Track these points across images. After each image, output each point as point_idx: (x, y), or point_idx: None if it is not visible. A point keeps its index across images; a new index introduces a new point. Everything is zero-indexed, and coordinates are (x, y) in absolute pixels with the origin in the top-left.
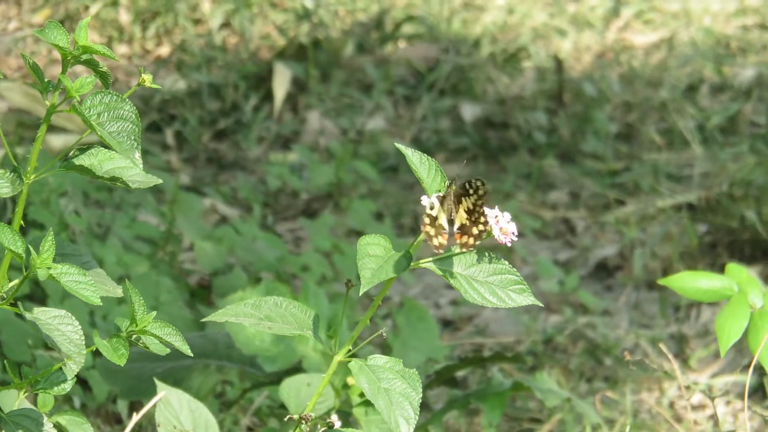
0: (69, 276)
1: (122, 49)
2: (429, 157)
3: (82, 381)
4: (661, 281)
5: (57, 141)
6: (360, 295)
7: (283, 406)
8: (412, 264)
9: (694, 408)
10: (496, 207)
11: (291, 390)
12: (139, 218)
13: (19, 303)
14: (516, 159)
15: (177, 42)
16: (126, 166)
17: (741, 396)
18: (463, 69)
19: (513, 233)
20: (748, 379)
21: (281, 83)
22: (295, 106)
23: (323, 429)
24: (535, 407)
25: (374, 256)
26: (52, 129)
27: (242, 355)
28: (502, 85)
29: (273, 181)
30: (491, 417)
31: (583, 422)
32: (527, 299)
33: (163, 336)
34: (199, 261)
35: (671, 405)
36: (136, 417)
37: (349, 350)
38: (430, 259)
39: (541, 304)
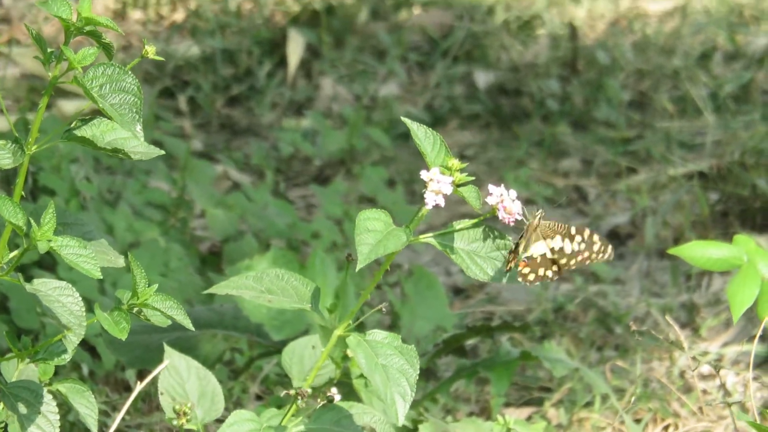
0: (69, 249)
1: (137, 14)
2: (434, 132)
3: (90, 348)
4: (671, 251)
5: (70, 106)
6: (356, 270)
7: None
8: (411, 239)
9: (705, 377)
10: (502, 185)
11: (294, 356)
12: (150, 184)
13: (19, 274)
14: (529, 126)
15: (191, 7)
16: (128, 137)
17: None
18: (477, 36)
19: (517, 213)
20: (753, 349)
21: (295, 49)
22: (308, 72)
23: (323, 402)
24: (544, 376)
25: (373, 231)
26: (66, 94)
27: (249, 323)
28: (516, 52)
29: (285, 147)
30: (499, 386)
31: (593, 392)
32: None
33: (164, 309)
34: (210, 228)
35: (682, 374)
36: (140, 385)
37: (349, 324)
38: (431, 234)
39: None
